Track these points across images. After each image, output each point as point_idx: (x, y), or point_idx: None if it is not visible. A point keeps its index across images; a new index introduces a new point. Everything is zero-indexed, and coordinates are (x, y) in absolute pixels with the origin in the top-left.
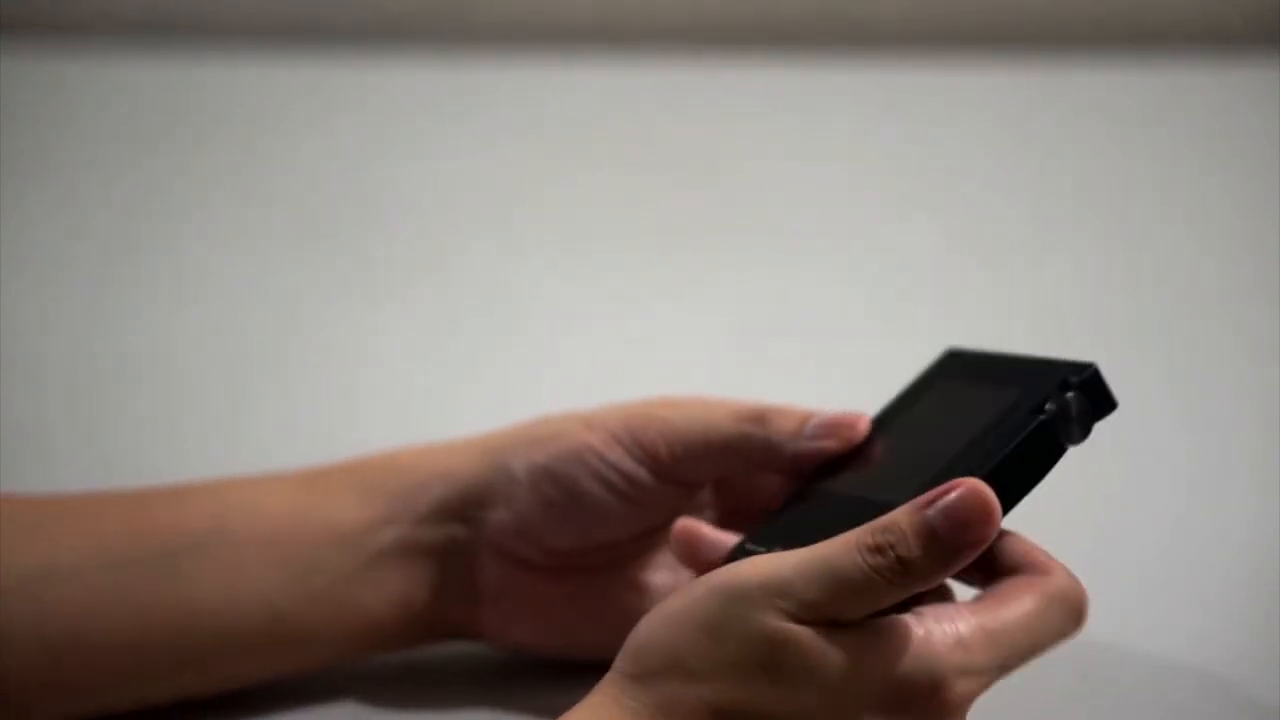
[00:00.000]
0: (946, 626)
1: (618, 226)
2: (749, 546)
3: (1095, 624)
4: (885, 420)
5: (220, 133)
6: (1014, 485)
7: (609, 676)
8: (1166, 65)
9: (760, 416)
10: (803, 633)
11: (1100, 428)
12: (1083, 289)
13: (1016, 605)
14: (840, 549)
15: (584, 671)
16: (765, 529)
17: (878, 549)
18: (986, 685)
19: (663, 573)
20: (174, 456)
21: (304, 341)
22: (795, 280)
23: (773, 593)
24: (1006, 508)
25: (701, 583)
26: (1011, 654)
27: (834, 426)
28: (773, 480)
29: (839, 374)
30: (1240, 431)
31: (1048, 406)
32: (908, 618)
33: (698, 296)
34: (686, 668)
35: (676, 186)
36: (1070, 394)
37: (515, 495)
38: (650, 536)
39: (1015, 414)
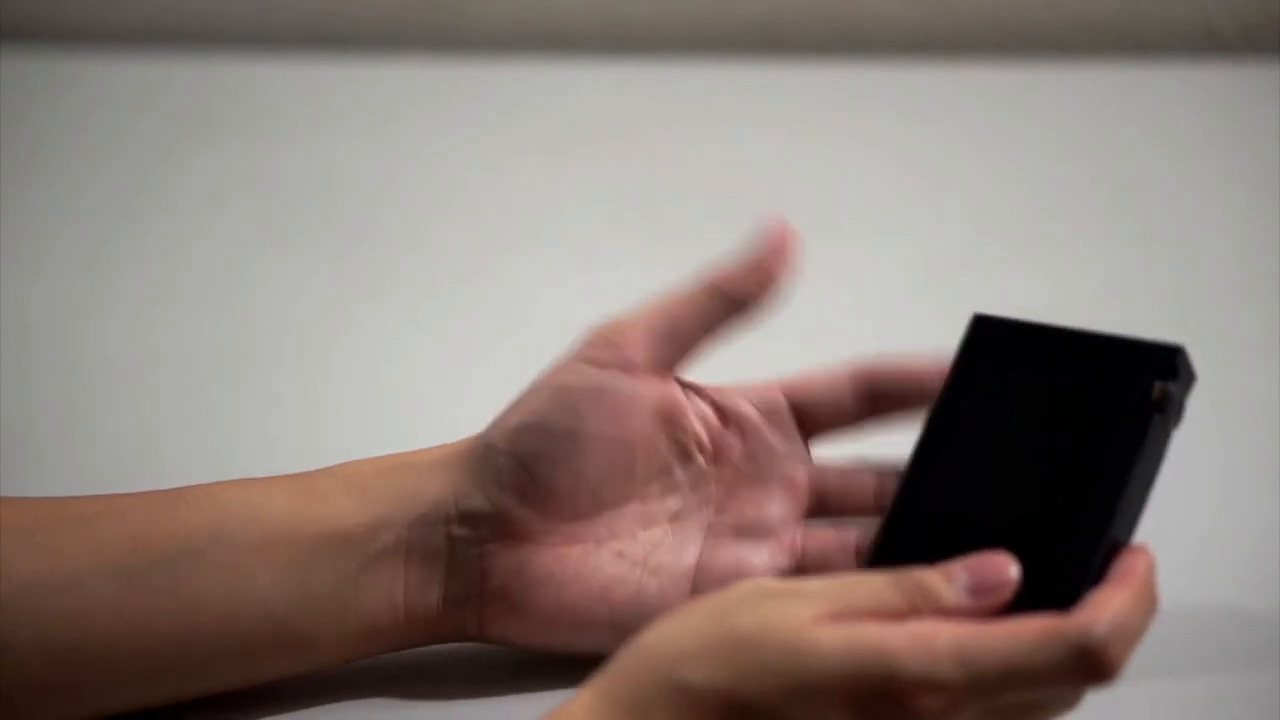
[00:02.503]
0: (924, 634)
1: (618, 226)
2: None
3: None
4: (958, 413)
5: (220, 134)
6: (1147, 482)
7: (595, 677)
8: (1165, 69)
9: (712, 287)
10: (788, 624)
11: None
12: (1082, 289)
13: (1010, 631)
14: (874, 583)
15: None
16: (892, 548)
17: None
18: (957, 705)
19: (663, 551)
20: (173, 458)
21: (303, 341)
22: (795, 280)
23: (788, 588)
24: (1141, 508)
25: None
26: (988, 676)
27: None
28: (778, 487)
29: None
30: (1239, 431)
31: (1160, 400)
32: (889, 623)
33: None
34: (679, 645)
35: (676, 187)
36: (1174, 384)
37: (500, 469)
38: (653, 509)
39: (1128, 410)
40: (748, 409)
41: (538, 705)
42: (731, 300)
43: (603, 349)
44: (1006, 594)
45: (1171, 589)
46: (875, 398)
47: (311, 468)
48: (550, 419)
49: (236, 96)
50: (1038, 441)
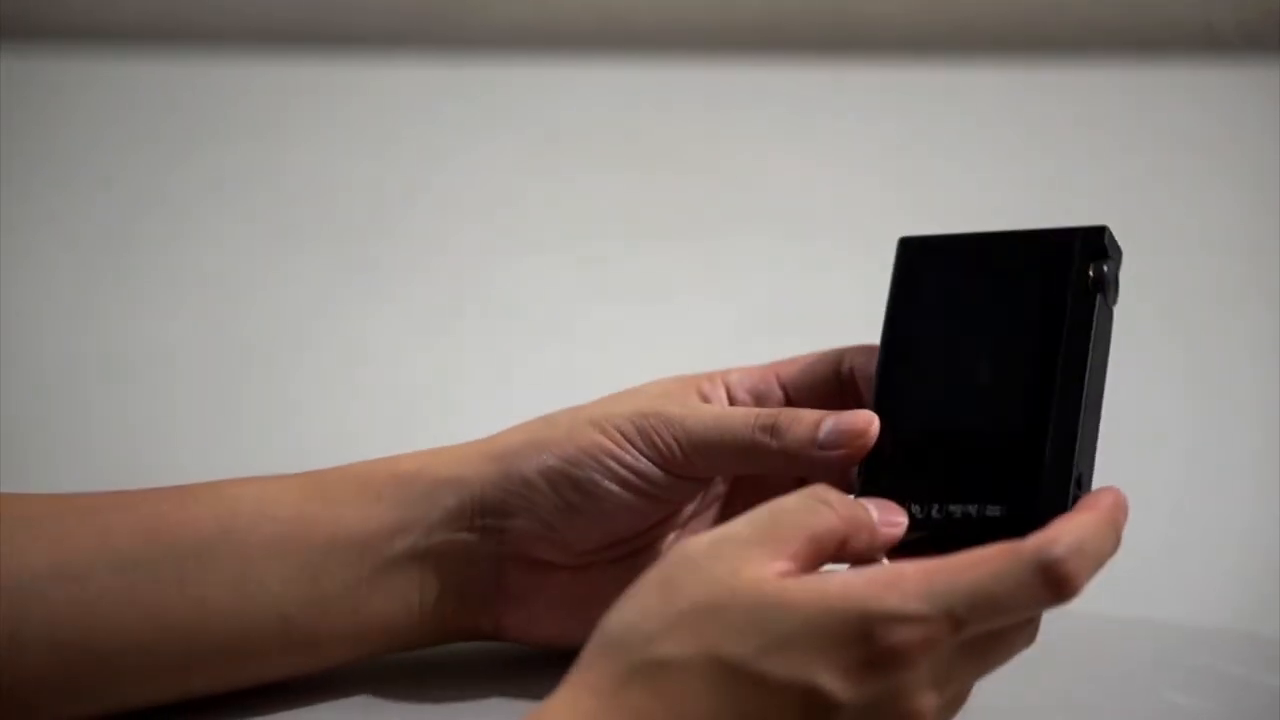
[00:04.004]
0: (889, 574)
1: (618, 226)
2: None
3: (1097, 614)
4: (907, 331)
5: (220, 134)
6: (1101, 365)
7: (568, 674)
8: (1165, 69)
9: (773, 426)
10: (747, 584)
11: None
12: None
13: (972, 559)
14: (792, 505)
15: None
16: (876, 468)
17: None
18: (934, 636)
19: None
20: (176, 456)
21: (304, 341)
22: (795, 280)
23: (722, 544)
24: (1101, 387)
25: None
26: (959, 604)
27: (846, 435)
28: (776, 477)
29: None
30: (1238, 431)
31: (1095, 279)
32: (851, 571)
33: (698, 296)
34: (640, 630)
35: (676, 187)
36: (1105, 262)
37: (535, 501)
38: (669, 520)
39: (1064, 295)
40: (750, 404)
41: (532, 703)
42: (777, 467)
43: (647, 446)
44: (900, 531)
45: (1172, 587)
46: (853, 383)
47: (317, 465)
48: (592, 478)
49: (238, 96)
50: (989, 346)
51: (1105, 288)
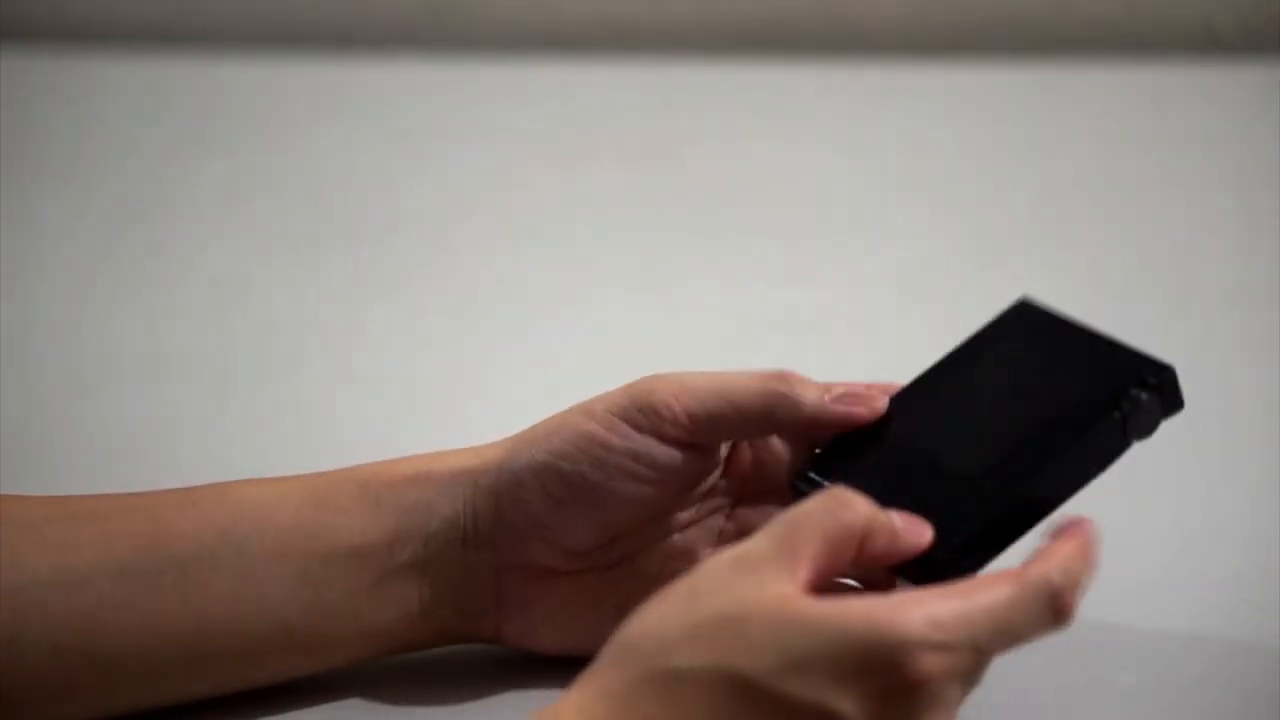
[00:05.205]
0: (913, 601)
1: (618, 226)
2: (812, 476)
3: (1098, 617)
4: (953, 366)
5: (220, 134)
6: (1080, 472)
7: (581, 675)
8: (1165, 69)
9: (782, 375)
10: (770, 600)
11: None
12: (1082, 288)
13: (992, 588)
14: (811, 514)
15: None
16: (830, 462)
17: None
18: (958, 666)
19: (678, 560)
20: (177, 459)
21: (304, 341)
22: (796, 280)
23: (745, 559)
24: (1071, 493)
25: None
26: (981, 634)
27: (860, 397)
28: (781, 491)
29: (838, 374)
30: (1239, 432)
31: (1124, 403)
32: (872, 595)
33: (697, 296)
34: (659, 637)
35: (677, 187)
36: (1146, 394)
37: (526, 500)
38: (665, 523)
39: (1091, 401)
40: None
41: (537, 704)
42: (789, 418)
43: (645, 416)
44: (922, 543)
45: (1171, 589)
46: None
47: (322, 468)
48: (581, 470)
49: (238, 96)
50: (1004, 405)
51: (1132, 412)
